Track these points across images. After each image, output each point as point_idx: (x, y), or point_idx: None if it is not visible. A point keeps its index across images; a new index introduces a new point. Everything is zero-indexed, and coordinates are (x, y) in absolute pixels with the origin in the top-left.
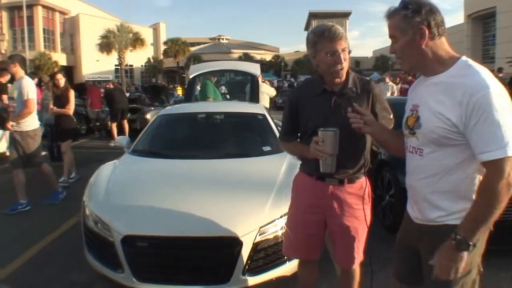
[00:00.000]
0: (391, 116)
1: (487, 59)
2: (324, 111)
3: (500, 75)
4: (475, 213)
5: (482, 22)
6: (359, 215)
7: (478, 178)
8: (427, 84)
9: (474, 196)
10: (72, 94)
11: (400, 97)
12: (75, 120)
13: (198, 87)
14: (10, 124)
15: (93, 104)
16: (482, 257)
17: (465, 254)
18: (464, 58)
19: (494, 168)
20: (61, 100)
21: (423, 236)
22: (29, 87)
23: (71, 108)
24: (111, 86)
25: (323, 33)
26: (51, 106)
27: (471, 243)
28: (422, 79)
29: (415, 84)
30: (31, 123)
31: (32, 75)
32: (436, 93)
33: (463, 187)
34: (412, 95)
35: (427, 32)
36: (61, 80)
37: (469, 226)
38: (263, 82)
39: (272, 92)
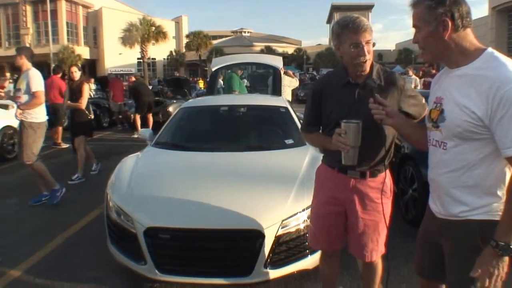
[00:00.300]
0: (423, 101)
1: None
2: (347, 103)
3: None
4: (509, 215)
5: (507, 15)
6: (380, 209)
7: (503, 173)
8: (451, 77)
9: (498, 192)
10: (86, 87)
11: (423, 90)
12: (89, 114)
13: (221, 80)
14: (18, 112)
15: (116, 97)
16: None
17: (507, 258)
18: (490, 49)
19: None
20: (75, 93)
21: (445, 231)
22: (37, 79)
23: (83, 102)
24: (133, 79)
25: (348, 24)
26: (66, 100)
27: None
28: (446, 71)
29: (439, 76)
30: (38, 115)
31: (57, 68)
32: (461, 85)
33: (488, 183)
34: (435, 88)
35: (450, 24)
36: (76, 73)
37: (508, 230)
38: (284, 74)
39: (295, 83)
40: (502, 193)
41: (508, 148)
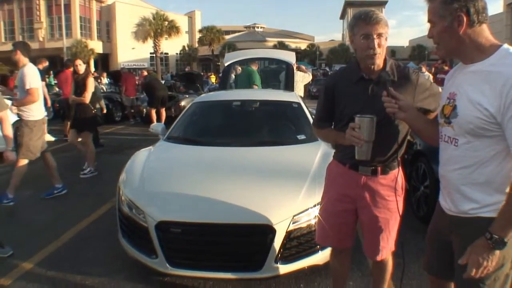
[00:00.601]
0: (439, 89)
1: None
2: (361, 98)
3: None
4: (509, 210)
5: None
6: (391, 207)
7: None
8: (465, 72)
9: (508, 190)
10: (90, 81)
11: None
12: (94, 109)
13: (233, 75)
14: (13, 108)
15: (128, 91)
16: None
17: (498, 252)
18: (505, 46)
19: None
20: (79, 87)
21: (454, 228)
22: (31, 76)
23: (86, 97)
24: (145, 73)
25: (361, 16)
26: (71, 94)
27: (506, 240)
28: (461, 66)
29: (453, 72)
30: (35, 113)
31: (68, 61)
32: (475, 82)
33: (498, 180)
34: (449, 84)
35: (465, 19)
36: (81, 66)
37: (505, 224)
38: (297, 70)
39: (308, 78)
40: None
41: None
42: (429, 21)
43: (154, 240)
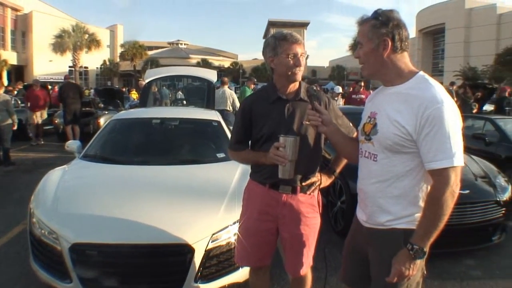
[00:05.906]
0: (350, 124)
1: (436, 72)
2: (278, 118)
3: (451, 88)
4: (426, 222)
5: (433, 37)
6: (310, 223)
7: (426, 186)
8: (386, 94)
9: (421, 203)
10: None
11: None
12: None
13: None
14: None
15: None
16: (426, 260)
17: (419, 261)
18: (421, 73)
19: (440, 176)
20: None
21: (371, 240)
22: None
23: None
24: (56, 89)
25: (285, 36)
26: None
27: (426, 250)
28: (382, 89)
29: (374, 94)
30: None
31: None
32: (394, 102)
33: (412, 193)
34: (369, 105)
35: (390, 44)
36: None
37: (423, 235)
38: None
39: (236, 101)
40: None
41: (430, 162)
42: (358, 42)
43: (68, 264)
